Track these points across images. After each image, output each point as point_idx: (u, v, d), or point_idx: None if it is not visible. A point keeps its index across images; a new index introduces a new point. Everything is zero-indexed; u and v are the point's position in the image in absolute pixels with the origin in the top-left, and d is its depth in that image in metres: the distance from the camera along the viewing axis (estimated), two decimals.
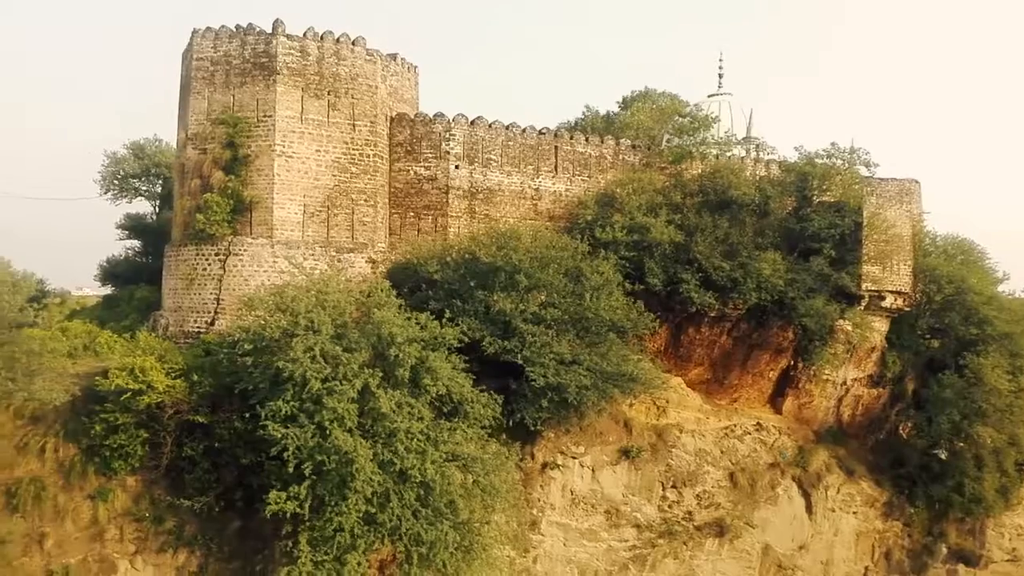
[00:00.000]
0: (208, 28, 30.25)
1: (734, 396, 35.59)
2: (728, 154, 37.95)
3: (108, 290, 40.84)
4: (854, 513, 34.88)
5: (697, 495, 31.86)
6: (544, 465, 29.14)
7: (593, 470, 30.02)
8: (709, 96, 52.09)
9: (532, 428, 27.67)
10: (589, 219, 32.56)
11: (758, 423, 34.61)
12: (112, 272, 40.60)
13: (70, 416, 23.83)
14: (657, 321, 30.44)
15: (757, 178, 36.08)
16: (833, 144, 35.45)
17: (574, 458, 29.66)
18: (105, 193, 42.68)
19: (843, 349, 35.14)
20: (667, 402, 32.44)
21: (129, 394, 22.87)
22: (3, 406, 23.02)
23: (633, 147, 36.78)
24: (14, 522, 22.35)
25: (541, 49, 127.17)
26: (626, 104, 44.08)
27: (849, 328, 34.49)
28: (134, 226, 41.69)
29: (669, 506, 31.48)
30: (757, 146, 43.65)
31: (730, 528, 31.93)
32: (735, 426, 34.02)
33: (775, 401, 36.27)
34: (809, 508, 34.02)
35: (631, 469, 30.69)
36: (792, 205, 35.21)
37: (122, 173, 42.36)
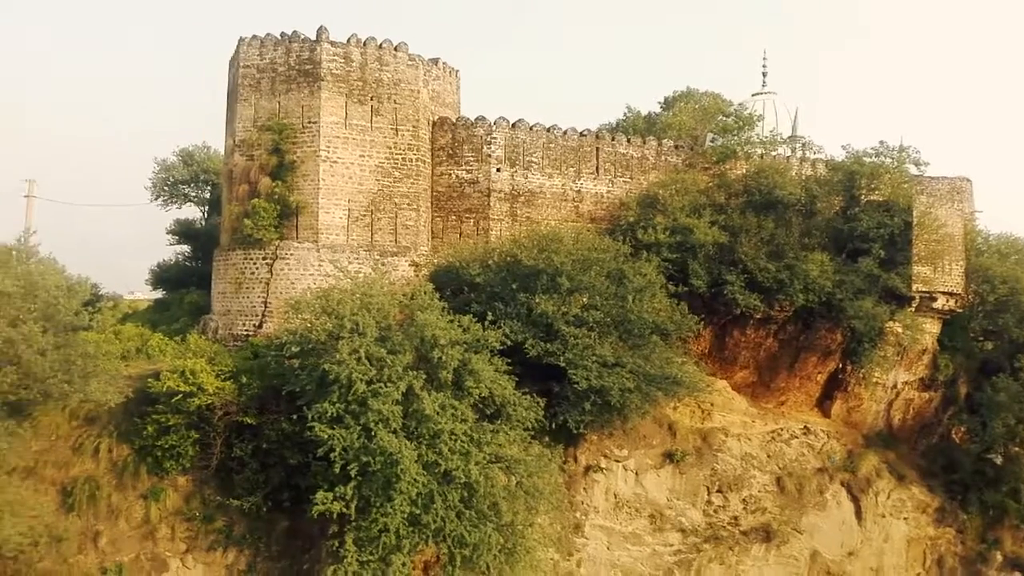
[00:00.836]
0: (254, 36, 30.83)
1: (781, 399, 35.09)
2: (773, 153, 37.50)
3: (159, 294, 41.87)
4: (905, 519, 34.12)
5: (743, 500, 31.47)
6: (587, 468, 29.04)
7: (637, 473, 29.84)
8: (753, 95, 51.54)
9: (575, 431, 27.58)
10: (631, 221, 32.39)
11: (806, 427, 34.07)
12: (163, 276, 41.58)
13: (123, 417, 24.41)
14: (701, 323, 30.13)
15: (803, 178, 35.57)
16: (882, 142, 34.84)
17: (617, 461, 29.52)
18: (156, 199, 43.84)
19: (893, 351, 34.45)
20: (712, 405, 32.11)
21: (180, 396, 23.36)
22: (59, 407, 23.59)
23: (676, 147, 36.52)
24: (70, 520, 22.91)
25: (581, 49, 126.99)
26: (668, 104, 43.84)
27: (899, 330, 33.80)
28: (184, 231, 42.65)
29: (715, 511, 31.13)
30: (803, 145, 43.06)
31: (777, 533, 31.46)
32: (782, 430, 33.53)
33: (823, 404, 35.68)
34: (858, 514, 33.37)
35: (675, 473, 30.43)
36: (839, 205, 34.61)
37: (172, 179, 43.45)
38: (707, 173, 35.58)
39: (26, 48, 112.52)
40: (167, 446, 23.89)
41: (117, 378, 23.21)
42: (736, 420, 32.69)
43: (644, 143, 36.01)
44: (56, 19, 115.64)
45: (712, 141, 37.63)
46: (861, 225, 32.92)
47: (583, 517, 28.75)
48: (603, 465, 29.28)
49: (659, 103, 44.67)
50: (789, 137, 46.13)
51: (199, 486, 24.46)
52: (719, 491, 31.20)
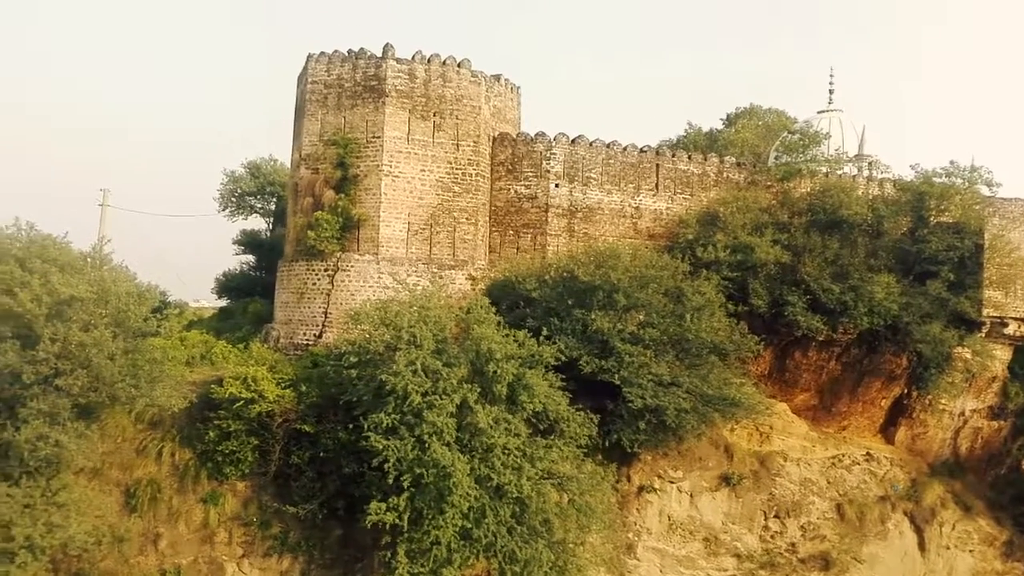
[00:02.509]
0: (322, 53, 31.57)
1: (842, 424, 34.20)
2: (839, 172, 36.80)
3: (224, 302, 42.99)
4: (971, 552, 32.83)
5: (801, 526, 30.69)
6: (641, 488, 28.69)
7: (692, 495, 29.36)
8: (819, 112, 50.59)
9: (629, 450, 27.32)
10: (690, 238, 32.05)
11: (868, 453, 33.13)
12: (228, 285, 42.70)
13: (186, 422, 24.95)
14: (761, 344, 29.62)
15: (870, 197, 34.77)
16: (952, 162, 33.79)
17: (672, 482, 29.10)
18: (223, 210, 45.14)
19: (961, 378, 33.37)
20: (771, 428, 31.45)
21: (241, 402, 23.81)
22: (126, 411, 24.21)
23: (738, 165, 36.08)
24: (132, 521, 23.42)
25: (643, 66, 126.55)
26: (730, 121, 43.41)
27: (968, 356, 32.74)
28: (249, 242, 43.78)
29: (771, 536, 30.43)
30: (870, 164, 42.17)
31: (836, 562, 30.57)
32: (843, 456, 32.66)
33: (887, 431, 34.69)
34: (922, 545, 32.24)
35: (731, 496, 29.85)
36: (907, 226, 33.71)
37: (239, 191, 44.68)
38: (770, 191, 35.06)
39: (110, 65, 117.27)
40: (227, 451, 24.32)
41: (181, 384, 23.64)
42: (795, 444, 31.96)
43: (705, 160, 35.66)
44: (141, 38, 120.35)
45: (776, 159, 37.10)
46: (930, 247, 32.03)
47: (635, 538, 28.39)
48: (657, 486, 28.90)
49: (721, 120, 44.32)
50: (855, 156, 45.21)
51: (257, 492, 24.83)
52: (776, 516, 30.51)
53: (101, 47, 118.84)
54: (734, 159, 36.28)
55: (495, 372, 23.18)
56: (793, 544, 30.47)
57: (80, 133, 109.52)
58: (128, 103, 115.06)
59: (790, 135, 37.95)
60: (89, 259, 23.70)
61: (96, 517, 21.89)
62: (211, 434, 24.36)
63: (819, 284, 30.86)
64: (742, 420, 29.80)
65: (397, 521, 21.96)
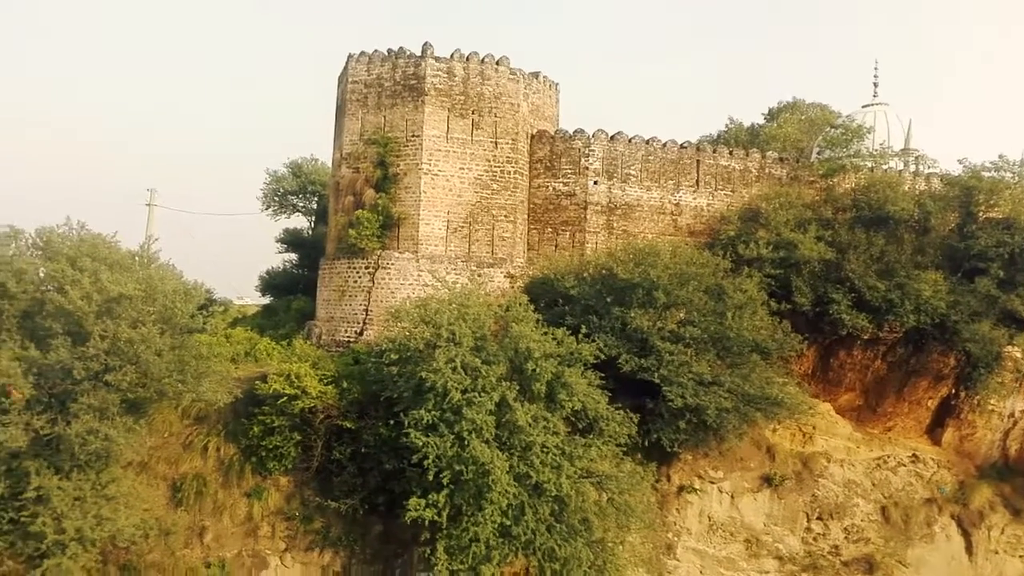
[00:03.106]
0: (362, 52, 31.86)
1: (888, 425, 33.54)
2: (884, 167, 36.07)
3: (267, 300, 43.63)
4: (1021, 556, 31.93)
5: (845, 528, 30.19)
6: (680, 488, 28.47)
7: (732, 496, 29.05)
8: (863, 106, 49.59)
9: (668, 449, 27.09)
10: (732, 235, 31.69)
11: (914, 455, 32.45)
12: (271, 283, 43.32)
13: (231, 417, 25.42)
14: (804, 343, 29.20)
15: (916, 193, 34.05)
16: (1001, 156, 33.01)
17: (712, 483, 28.82)
18: (266, 209, 45.83)
19: (1011, 378, 32.48)
20: (814, 429, 30.96)
21: (285, 398, 24.19)
22: (173, 406, 24.74)
23: (780, 160, 35.60)
24: (178, 515, 23.92)
25: (683, 60, 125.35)
26: (772, 116, 42.87)
27: (1018, 355, 31.93)
28: (291, 240, 44.35)
29: (814, 539, 29.99)
30: (916, 158, 41.19)
31: (880, 565, 30.00)
32: (888, 457, 32.02)
33: (933, 432, 33.89)
34: (969, 549, 31.47)
35: (773, 497, 29.47)
36: (955, 222, 32.97)
37: (281, 190, 45.32)
38: (813, 187, 34.53)
39: (154, 70, 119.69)
40: (271, 447, 24.71)
41: (227, 379, 24.02)
42: (839, 445, 31.43)
43: (747, 155, 35.25)
44: (181, 43, 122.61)
45: (819, 154, 36.53)
46: (978, 243, 31.27)
47: (675, 538, 28.20)
48: (697, 486, 28.65)
49: (763, 114, 43.80)
50: (901, 150, 44.18)
51: (299, 487, 25.19)
52: (819, 518, 30.04)
53: (145, 47, 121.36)
54: (776, 154, 35.83)
55: (534, 370, 23.19)
56: (836, 547, 29.98)
57: (129, 133, 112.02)
58: (173, 105, 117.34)
59: (833, 129, 37.31)
60: (137, 258, 24.20)
61: (144, 510, 22.40)
62: (255, 429, 24.76)
63: (864, 281, 30.30)
64: (785, 420, 29.37)
65: (436, 517, 22.10)
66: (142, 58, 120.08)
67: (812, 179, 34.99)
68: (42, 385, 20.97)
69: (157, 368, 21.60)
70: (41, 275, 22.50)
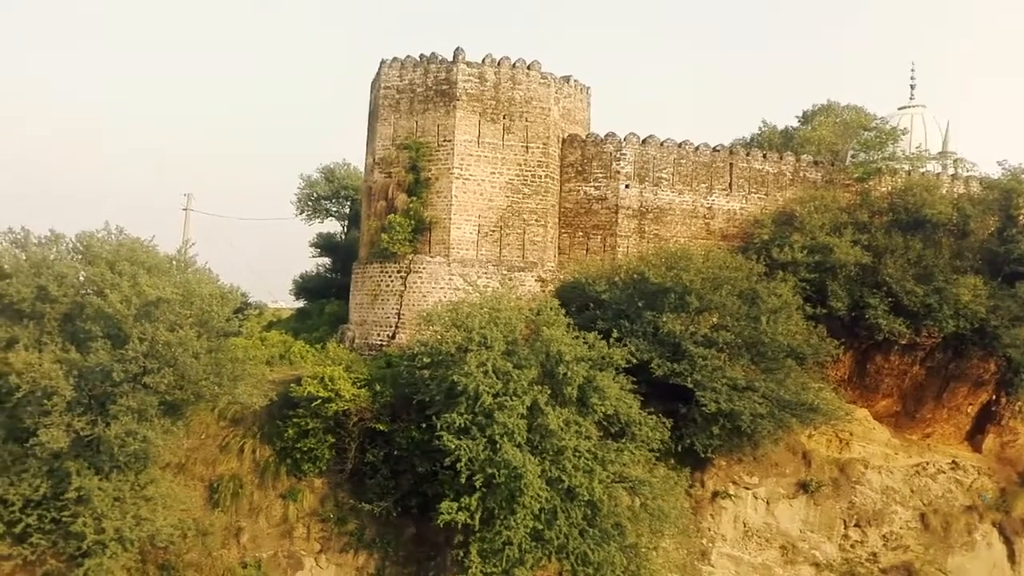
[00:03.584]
0: (395, 58, 32.10)
1: (927, 431, 32.98)
2: (921, 170, 35.55)
3: (301, 303, 44.09)
4: None
5: (883, 536, 29.72)
6: (715, 494, 28.22)
7: (768, 502, 28.73)
8: (900, 108, 48.97)
9: (702, 455, 26.88)
10: (766, 239, 31.41)
11: (954, 461, 31.88)
12: (305, 287, 43.79)
13: (266, 420, 25.65)
14: (840, 348, 28.82)
15: (955, 196, 33.50)
16: None
17: (747, 488, 28.53)
18: (300, 214, 46.34)
19: None
20: (851, 435, 30.54)
21: (319, 401, 24.34)
22: (209, 408, 25.01)
23: (815, 163, 35.22)
24: (215, 516, 24.14)
25: (714, 64, 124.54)
26: (807, 118, 42.37)
27: None
28: (325, 244, 44.82)
29: (851, 546, 29.56)
30: (955, 161, 40.58)
31: (920, 573, 29.50)
32: (927, 463, 31.49)
33: (974, 438, 33.29)
34: (1011, 557, 30.82)
35: (810, 504, 29.10)
36: (995, 225, 32.38)
37: (315, 195, 45.79)
38: (849, 190, 34.13)
39: (181, 77, 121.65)
40: (305, 449, 24.88)
41: (262, 382, 24.20)
42: (877, 451, 30.97)
43: (781, 159, 34.93)
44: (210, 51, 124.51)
45: (853, 157, 36.10)
46: (1019, 247, 30.73)
47: (710, 544, 27.94)
48: (732, 492, 28.38)
49: (797, 117, 43.28)
50: (939, 153, 43.63)
51: (334, 489, 25.35)
52: (857, 525, 29.61)
53: (177, 51, 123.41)
54: (811, 157, 35.46)
55: (565, 374, 23.15)
56: (874, 554, 29.52)
57: (162, 139, 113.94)
58: (207, 109, 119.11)
59: (867, 132, 36.87)
60: (174, 262, 24.53)
61: (182, 511, 22.63)
62: (290, 432, 24.96)
63: (901, 286, 29.86)
64: (821, 426, 29.01)
65: (469, 520, 22.13)
66: (174, 64, 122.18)
67: (848, 182, 34.58)
68: (82, 387, 21.25)
69: (194, 371, 21.80)
70: (81, 279, 22.84)
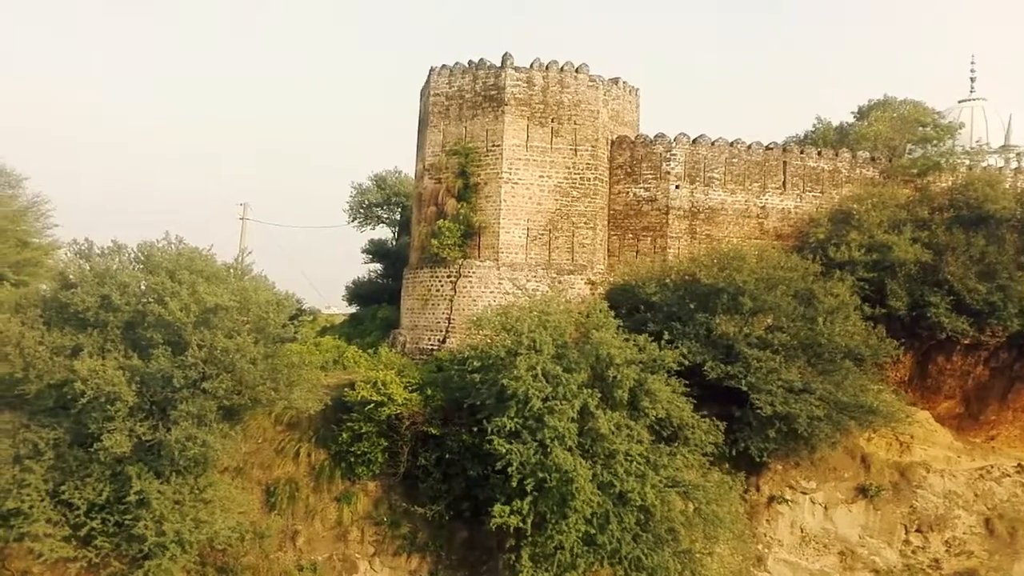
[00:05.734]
0: (444, 65, 32.37)
1: (991, 434, 31.86)
2: (983, 164, 34.42)
3: (354, 309, 44.74)
4: None
5: (946, 541, 28.80)
6: (771, 499, 27.72)
7: (826, 507, 28.10)
8: (959, 102, 47.50)
9: (757, 459, 26.42)
10: (821, 237, 30.75)
11: (1019, 464, 30.69)
12: (357, 292, 44.46)
13: (321, 424, 26.03)
14: (900, 348, 28.04)
15: (1018, 190, 32.33)
16: None
17: (804, 493, 27.95)
18: (352, 221, 47.09)
19: None
20: (912, 438, 29.67)
21: (372, 405, 24.65)
22: (266, 413, 25.46)
23: (872, 160, 34.41)
24: (272, 519, 24.56)
25: (766, 60, 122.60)
26: (863, 114, 41.41)
27: None
28: (376, 250, 45.45)
29: (913, 551, 28.71)
30: (1017, 155, 39.18)
31: None
32: (992, 467, 30.38)
33: None
34: None
35: (869, 509, 28.36)
36: None
37: (367, 203, 46.49)
38: (907, 186, 33.21)
39: (238, 90, 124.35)
40: (359, 452, 25.20)
41: (317, 387, 24.59)
42: (939, 455, 30.03)
43: (836, 155, 34.20)
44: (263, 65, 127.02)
45: (911, 152, 35.16)
46: None
47: (766, 550, 27.46)
48: (788, 496, 27.83)
49: (852, 113, 42.31)
50: (1000, 147, 42.21)
51: (387, 492, 25.59)
52: (918, 531, 28.76)
53: (230, 61, 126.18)
54: (867, 154, 34.67)
55: (615, 377, 23.01)
56: (937, 560, 28.63)
57: (222, 145, 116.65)
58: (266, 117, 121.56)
59: (923, 127, 35.88)
60: (232, 270, 25.04)
61: (239, 514, 23.03)
62: (344, 435, 25.29)
63: (964, 284, 28.93)
64: (880, 429, 28.28)
65: (521, 524, 22.14)
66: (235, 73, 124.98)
67: (906, 179, 33.65)
68: (144, 393, 21.82)
69: (251, 376, 22.22)
70: (143, 288, 23.39)
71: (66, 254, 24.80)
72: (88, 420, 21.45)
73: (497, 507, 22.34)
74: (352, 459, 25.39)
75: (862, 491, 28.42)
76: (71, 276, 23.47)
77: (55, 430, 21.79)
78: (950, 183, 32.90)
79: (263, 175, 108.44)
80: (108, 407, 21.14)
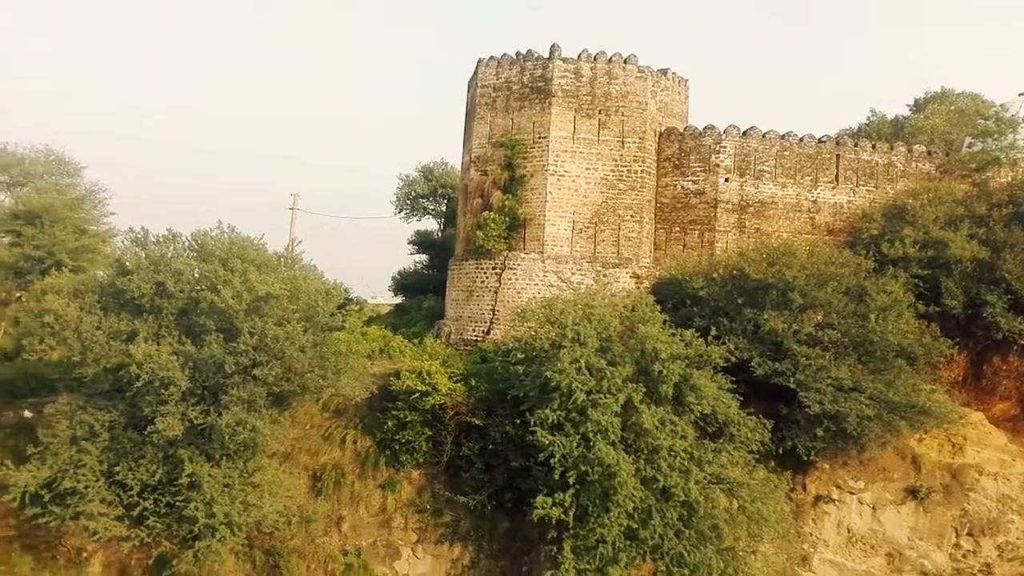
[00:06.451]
0: (491, 57, 32.39)
1: None
2: None
3: (399, 299, 45.14)
4: None
5: (998, 546, 28.06)
6: (817, 498, 27.29)
7: (874, 508, 27.59)
8: (1020, 95, 45.95)
9: (804, 457, 26.04)
10: (875, 233, 30.16)
11: None
12: (403, 283, 44.82)
13: (367, 412, 26.31)
14: (954, 348, 27.39)
15: None
16: None
17: (852, 493, 27.47)
18: (399, 212, 47.48)
19: None
20: (964, 439, 28.94)
21: (417, 394, 24.87)
22: (314, 400, 25.79)
23: (928, 154, 33.57)
24: (318, 504, 24.90)
25: (818, 52, 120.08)
26: (919, 106, 40.43)
27: None
28: (422, 242, 45.75)
29: (963, 555, 28.05)
30: None
31: None
32: None
33: None
34: None
35: (919, 511, 27.77)
36: None
37: (413, 194, 46.83)
38: (965, 182, 32.35)
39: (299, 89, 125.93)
40: (403, 441, 25.45)
41: (363, 375, 24.79)
42: (992, 457, 29.22)
43: (891, 149, 33.45)
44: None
45: (969, 146, 34.18)
46: None
47: (811, 550, 27.08)
48: (835, 496, 27.38)
49: (908, 106, 41.35)
50: None
51: (430, 481, 25.81)
52: (969, 534, 28.07)
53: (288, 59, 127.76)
54: (924, 148, 33.83)
55: (660, 372, 22.85)
56: (988, 564, 27.92)
57: (273, 139, 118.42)
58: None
59: (984, 120, 34.84)
60: (282, 259, 25.42)
61: (287, 498, 23.45)
62: (389, 424, 25.57)
63: (1022, 282, 28.12)
64: (932, 429, 27.65)
65: (563, 517, 22.15)
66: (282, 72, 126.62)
67: (964, 173, 32.78)
68: (196, 378, 22.26)
69: (300, 364, 22.52)
70: (196, 275, 23.80)
71: (123, 242, 25.46)
72: (142, 403, 21.95)
73: (539, 498, 22.39)
74: (397, 447, 25.65)
75: (912, 492, 27.84)
76: (127, 263, 24.00)
77: (110, 413, 22.34)
78: (1010, 178, 31.98)
79: (314, 171, 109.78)
80: (162, 391, 21.61)
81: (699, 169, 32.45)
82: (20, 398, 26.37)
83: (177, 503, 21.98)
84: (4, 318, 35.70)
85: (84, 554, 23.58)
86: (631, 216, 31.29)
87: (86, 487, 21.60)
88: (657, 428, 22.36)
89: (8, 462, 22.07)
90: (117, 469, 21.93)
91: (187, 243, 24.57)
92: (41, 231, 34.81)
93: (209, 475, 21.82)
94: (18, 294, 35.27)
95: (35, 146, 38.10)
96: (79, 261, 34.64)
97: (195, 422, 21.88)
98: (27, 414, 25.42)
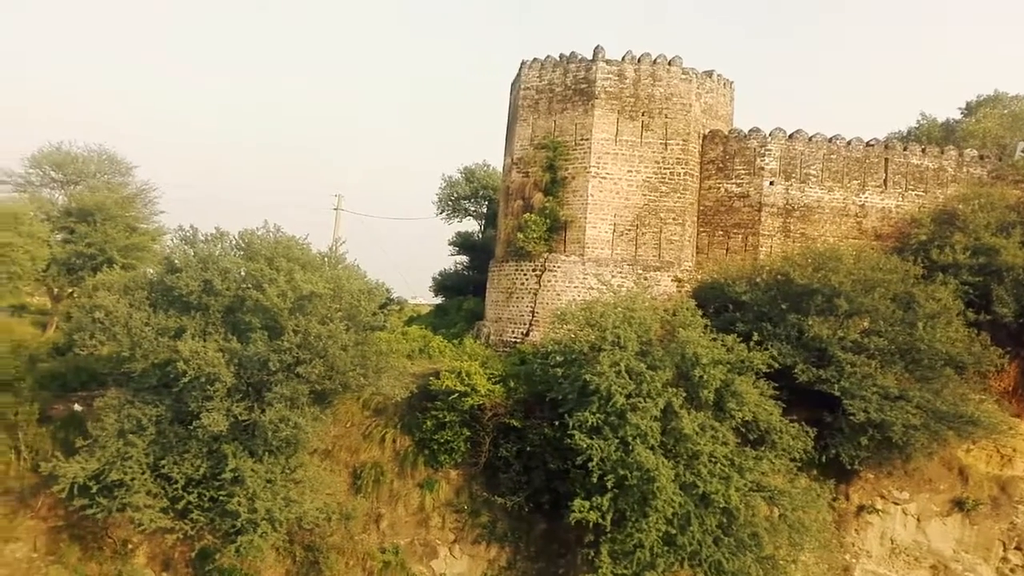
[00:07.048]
0: (535, 59, 32.41)
1: None
2: None
3: (439, 300, 45.39)
4: None
5: None
6: (860, 508, 26.80)
7: (919, 519, 27.00)
8: None
9: (848, 466, 25.59)
10: (923, 239, 29.54)
11: None
12: (443, 284, 45.08)
13: (406, 411, 26.54)
14: (1005, 357, 26.68)
15: None
16: None
17: (896, 504, 26.92)
18: (440, 213, 47.76)
19: None
20: (1014, 451, 28.17)
21: (456, 395, 25.01)
22: (355, 398, 26.12)
23: (980, 158, 32.76)
24: (358, 501, 25.17)
25: (869, 55, 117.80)
26: (971, 110, 39.52)
27: None
28: (463, 243, 45.96)
29: (1011, 570, 27.28)
30: None
31: None
32: None
33: None
34: None
35: (965, 523, 27.10)
36: None
37: (455, 195, 47.07)
38: (1018, 187, 31.49)
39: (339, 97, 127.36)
40: (442, 440, 25.62)
41: (404, 375, 24.97)
42: None
43: (942, 153, 32.72)
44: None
45: (1023, 151, 33.30)
46: None
47: (853, 560, 26.59)
48: (879, 506, 26.86)
49: (960, 109, 40.46)
50: None
51: (468, 481, 25.92)
52: (1018, 548, 27.29)
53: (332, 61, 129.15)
54: (975, 152, 33.01)
55: (701, 377, 22.64)
56: None
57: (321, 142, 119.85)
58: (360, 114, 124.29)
59: None
60: (326, 258, 25.73)
61: (327, 495, 23.72)
62: (428, 423, 25.76)
63: None
64: (980, 440, 26.98)
65: (600, 520, 22.07)
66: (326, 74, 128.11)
67: (1017, 179, 31.92)
68: (241, 375, 22.65)
69: (342, 362, 22.77)
70: (242, 274, 24.20)
71: (172, 240, 25.95)
72: (188, 399, 22.39)
73: (577, 502, 22.35)
74: (435, 447, 25.82)
75: (958, 504, 27.20)
76: (176, 261, 24.50)
77: (157, 407, 22.85)
78: None
79: (359, 174, 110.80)
80: (207, 387, 22.02)
81: (743, 172, 32.09)
82: (71, 392, 27.12)
83: (220, 497, 22.36)
84: (57, 313, 36.70)
85: (130, 546, 24.13)
86: (673, 219, 31.07)
87: (132, 479, 22.11)
88: (697, 433, 22.16)
89: (58, 454, 22.70)
90: (163, 462, 22.42)
91: (234, 242, 24.98)
92: (93, 229, 35.71)
93: (252, 470, 22.15)
94: (70, 290, 36.25)
95: (88, 145, 39.08)
96: (129, 258, 35.46)
97: (239, 418, 22.25)
98: (77, 407, 26.11)
